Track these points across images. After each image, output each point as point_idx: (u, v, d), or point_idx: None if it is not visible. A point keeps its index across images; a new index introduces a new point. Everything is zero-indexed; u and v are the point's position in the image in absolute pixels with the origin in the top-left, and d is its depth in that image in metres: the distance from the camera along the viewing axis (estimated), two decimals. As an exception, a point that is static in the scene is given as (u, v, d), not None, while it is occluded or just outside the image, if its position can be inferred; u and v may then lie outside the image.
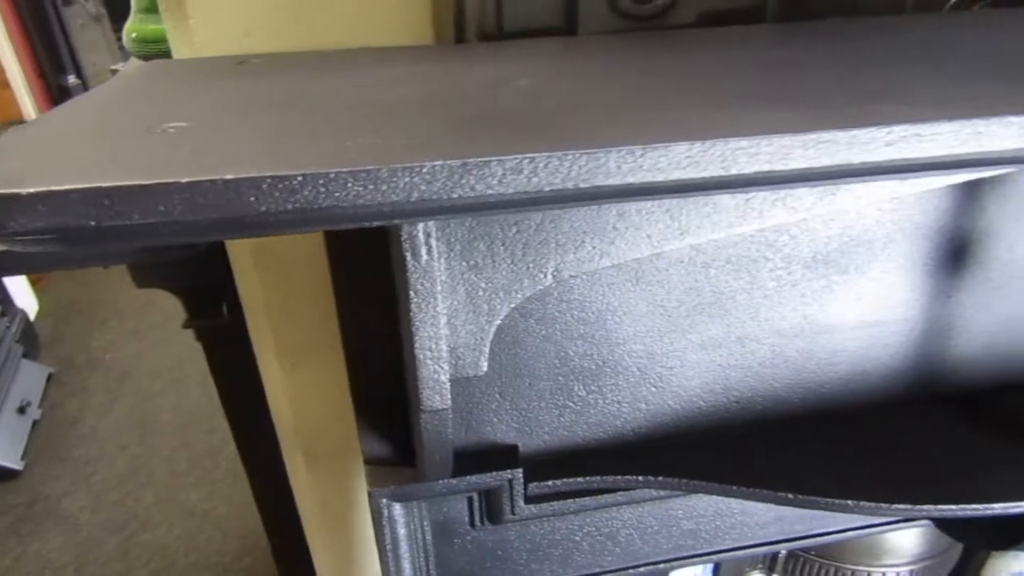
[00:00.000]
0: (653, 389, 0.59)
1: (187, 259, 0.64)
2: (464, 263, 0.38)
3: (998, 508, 0.54)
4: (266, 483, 0.89)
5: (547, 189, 0.24)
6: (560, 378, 0.57)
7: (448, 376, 0.41)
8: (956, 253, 0.58)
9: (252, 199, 0.23)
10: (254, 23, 0.55)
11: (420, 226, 0.36)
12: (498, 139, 0.27)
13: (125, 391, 2.46)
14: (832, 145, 0.25)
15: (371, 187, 0.23)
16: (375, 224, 0.25)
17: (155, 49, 0.83)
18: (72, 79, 3.35)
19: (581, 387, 0.57)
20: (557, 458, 0.60)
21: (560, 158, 0.24)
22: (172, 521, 2.02)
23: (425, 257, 0.37)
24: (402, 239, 0.36)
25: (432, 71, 0.42)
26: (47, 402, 2.41)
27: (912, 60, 0.41)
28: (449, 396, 0.41)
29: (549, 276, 0.39)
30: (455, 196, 0.24)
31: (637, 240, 0.40)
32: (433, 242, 0.37)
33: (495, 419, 0.57)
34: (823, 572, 1.08)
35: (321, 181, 0.23)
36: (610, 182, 0.25)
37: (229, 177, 0.22)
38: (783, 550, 0.69)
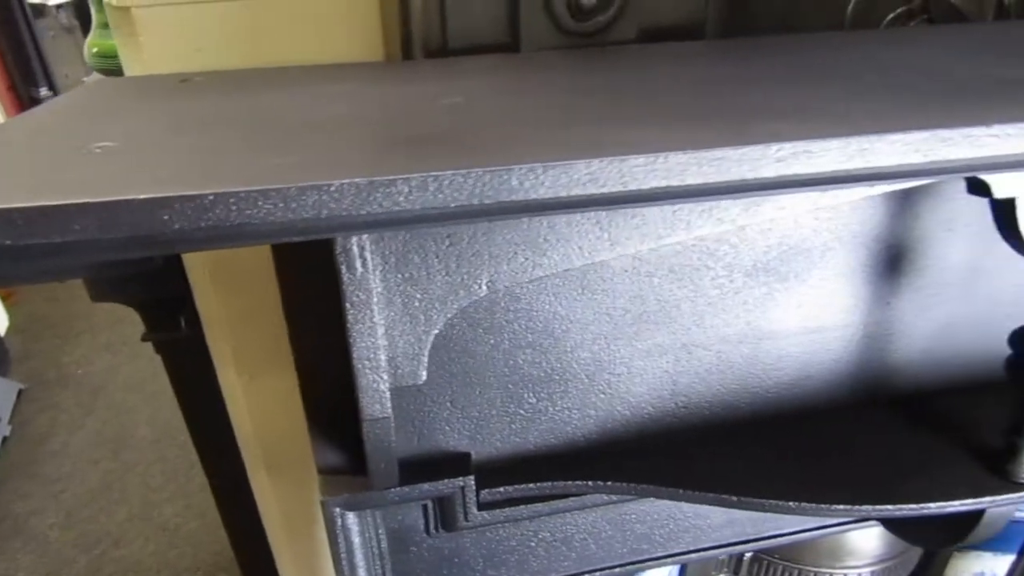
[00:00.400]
0: (602, 396, 0.60)
1: (143, 272, 0.65)
2: (399, 275, 0.39)
3: (933, 507, 0.56)
4: (230, 495, 0.89)
5: (453, 205, 0.26)
6: (510, 386, 0.58)
7: (388, 385, 0.42)
8: (892, 261, 0.60)
9: (165, 217, 0.24)
10: (206, 40, 0.56)
11: (354, 239, 0.37)
12: (415, 157, 0.29)
13: (98, 406, 2.44)
14: (725, 162, 0.27)
15: (281, 205, 0.24)
16: (294, 240, 0.26)
17: (115, 64, 0.84)
18: (44, 91, 3.33)
19: (531, 395, 0.58)
20: (510, 465, 0.61)
21: (464, 176, 0.25)
22: (146, 537, 2.00)
23: (360, 270, 0.38)
24: (337, 252, 0.37)
25: (371, 89, 0.43)
26: (17, 418, 2.38)
27: (834, 77, 0.43)
28: (390, 405, 0.42)
29: (483, 287, 0.41)
30: (364, 213, 0.25)
31: (568, 251, 0.41)
32: (368, 255, 0.38)
33: (447, 427, 0.58)
34: (786, 574, 1.10)
35: (232, 200, 0.24)
36: (514, 198, 0.26)
37: (141, 197, 0.23)
38: (735, 552, 0.71)
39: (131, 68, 0.57)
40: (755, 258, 0.57)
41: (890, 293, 0.61)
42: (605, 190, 0.26)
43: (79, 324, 2.85)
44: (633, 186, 0.26)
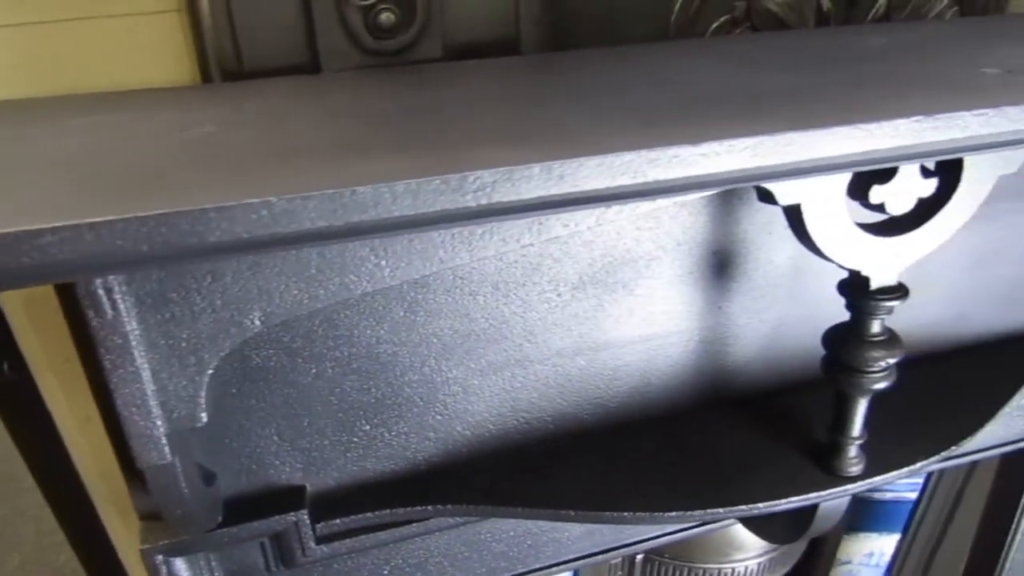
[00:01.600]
0: (439, 417, 0.59)
1: (-50, 317, 0.61)
2: (159, 316, 0.37)
3: (762, 507, 0.57)
4: (87, 542, 0.84)
5: (120, 254, 0.24)
6: (340, 415, 0.56)
7: (164, 430, 0.40)
8: (719, 266, 0.61)
9: None
10: (-13, 68, 0.52)
11: (98, 282, 0.35)
12: (98, 198, 0.27)
13: (-13, 448, 2.30)
14: (421, 194, 0.26)
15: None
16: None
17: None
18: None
19: (364, 421, 0.57)
20: (350, 495, 0.59)
21: (126, 223, 0.24)
22: (42, 584, 1.89)
23: (110, 312, 0.36)
24: (80, 296, 0.35)
25: (128, 119, 0.41)
26: None
27: (605, 94, 0.43)
28: (168, 451, 0.40)
29: (256, 322, 0.39)
30: (13, 267, 0.23)
31: (344, 281, 0.40)
32: (117, 297, 0.36)
33: (277, 461, 0.56)
34: (678, 573, 1.12)
35: None
36: (188, 243, 0.25)
37: None
38: (597, 563, 0.71)
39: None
40: (580, 271, 0.57)
41: (720, 297, 0.63)
42: (291, 229, 0.25)
43: (-34, 362, 2.68)
44: (322, 223, 0.25)
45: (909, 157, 0.34)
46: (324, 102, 0.43)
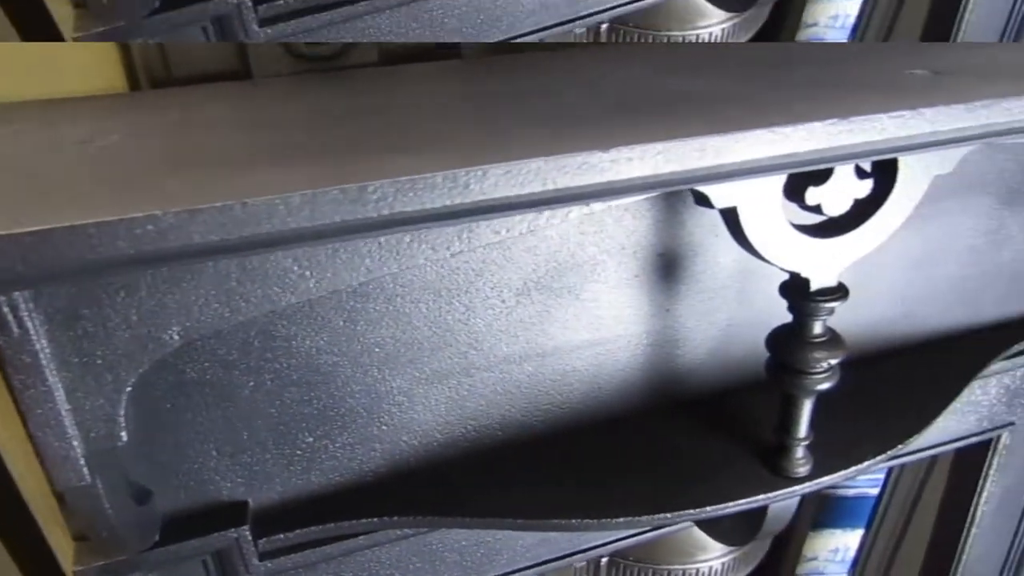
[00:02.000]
0: (384, 428, 0.58)
1: None
2: (71, 333, 0.36)
3: (710, 510, 0.57)
4: (35, 564, 0.82)
5: (-5, 273, 0.23)
6: (281, 427, 0.55)
7: (82, 451, 0.38)
8: (666, 269, 0.61)
9: None
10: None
11: (2, 299, 0.33)
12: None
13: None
14: (319, 206, 0.25)
15: None
16: None
17: None
18: None
19: (306, 433, 0.56)
20: (294, 509, 0.58)
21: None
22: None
23: (17, 331, 0.34)
24: (-17, 315, 0.34)
25: (36, 129, 0.40)
26: None
27: (543, 95, 0.43)
28: (86, 472, 0.39)
29: (175, 337, 0.38)
30: None
31: (268, 293, 0.39)
32: (24, 314, 0.34)
33: (217, 477, 0.55)
34: (642, 575, 1.11)
35: None
36: (67, 260, 0.24)
37: None
38: (553, 569, 0.70)
39: None
40: (524, 276, 0.56)
41: (668, 300, 0.62)
42: (180, 244, 0.24)
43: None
44: (213, 237, 0.24)
45: (828, 160, 0.34)
46: (243, 110, 0.42)
